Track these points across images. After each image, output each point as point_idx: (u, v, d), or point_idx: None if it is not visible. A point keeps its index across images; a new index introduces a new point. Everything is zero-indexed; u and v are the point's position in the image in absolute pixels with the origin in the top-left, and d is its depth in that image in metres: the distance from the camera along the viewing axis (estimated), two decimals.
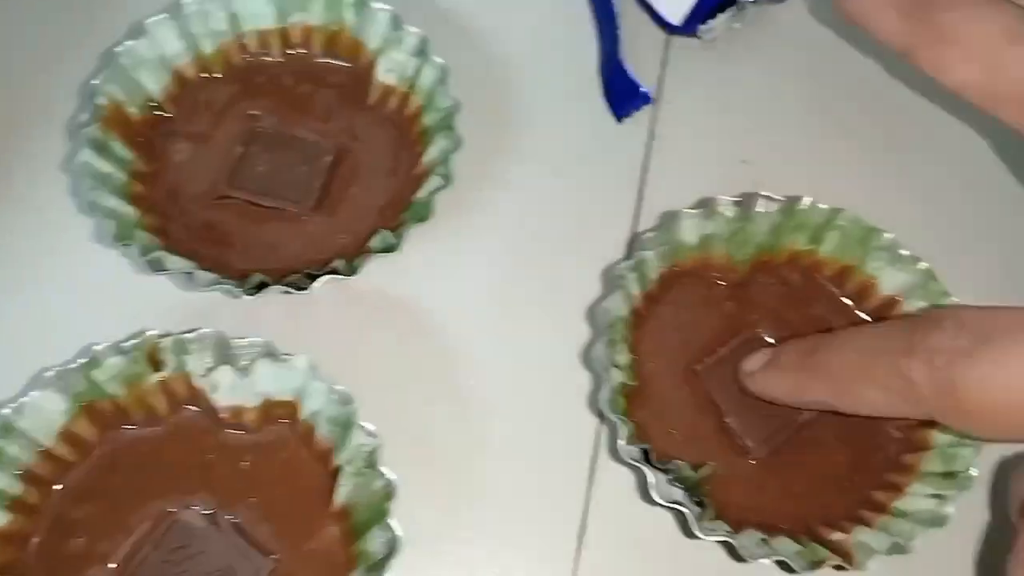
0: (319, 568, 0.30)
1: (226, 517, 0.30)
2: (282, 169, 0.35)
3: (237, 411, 0.31)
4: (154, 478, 0.31)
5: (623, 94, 0.41)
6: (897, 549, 0.27)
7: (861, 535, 0.28)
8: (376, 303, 0.36)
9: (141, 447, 0.31)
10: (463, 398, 0.34)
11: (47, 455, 0.30)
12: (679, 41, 0.43)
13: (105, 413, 0.31)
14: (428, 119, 0.35)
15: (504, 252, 0.37)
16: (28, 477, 0.29)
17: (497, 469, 0.33)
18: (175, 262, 0.31)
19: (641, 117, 0.41)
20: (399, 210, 0.34)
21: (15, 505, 0.29)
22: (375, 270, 0.33)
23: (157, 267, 0.31)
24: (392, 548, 0.28)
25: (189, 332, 0.30)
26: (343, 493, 0.30)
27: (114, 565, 0.29)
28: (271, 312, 0.34)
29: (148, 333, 0.30)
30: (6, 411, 0.28)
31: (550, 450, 0.33)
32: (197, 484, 0.31)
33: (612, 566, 0.32)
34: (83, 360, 0.29)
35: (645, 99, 0.40)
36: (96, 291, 0.35)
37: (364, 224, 0.35)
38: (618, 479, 0.33)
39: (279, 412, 0.31)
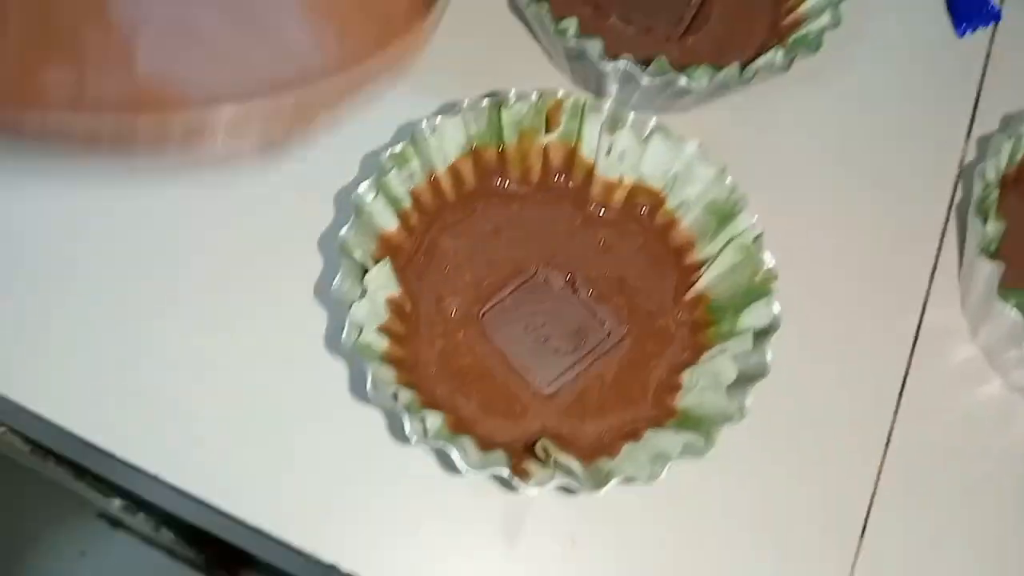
0: (662, 338, 0.30)
1: (582, 286, 0.31)
2: None
3: (608, 188, 0.32)
4: (518, 235, 0.32)
5: (970, 9, 0.41)
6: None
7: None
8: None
9: (511, 204, 0.32)
10: None
11: (434, 184, 0.31)
12: None
13: (490, 162, 0.32)
14: None
15: (840, 124, 0.38)
16: (415, 197, 0.31)
17: None
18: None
19: (979, 35, 0.41)
20: (756, 54, 0.35)
21: (401, 215, 0.30)
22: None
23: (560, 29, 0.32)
24: (773, 323, 0.28)
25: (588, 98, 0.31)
26: (705, 281, 0.30)
27: (471, 298, 0.30)
28: None
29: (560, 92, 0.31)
30: (423, 125, 0.30)
31: None
32: (557, 250, 0.32)
33: None
34: (493, 99, 0.30)
35: (995, 17, 0.40)
36: (504, 47, 0.38)
37: (723, 59, 0.36)
38: None
39: (643, 199, 0.32)
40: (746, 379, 0.28)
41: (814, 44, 0.33)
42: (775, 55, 0.33)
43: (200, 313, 0.31)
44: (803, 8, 0.36)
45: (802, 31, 0.35)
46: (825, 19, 0.34)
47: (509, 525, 0.29)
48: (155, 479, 0.29)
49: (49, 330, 0.31)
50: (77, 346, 0.30)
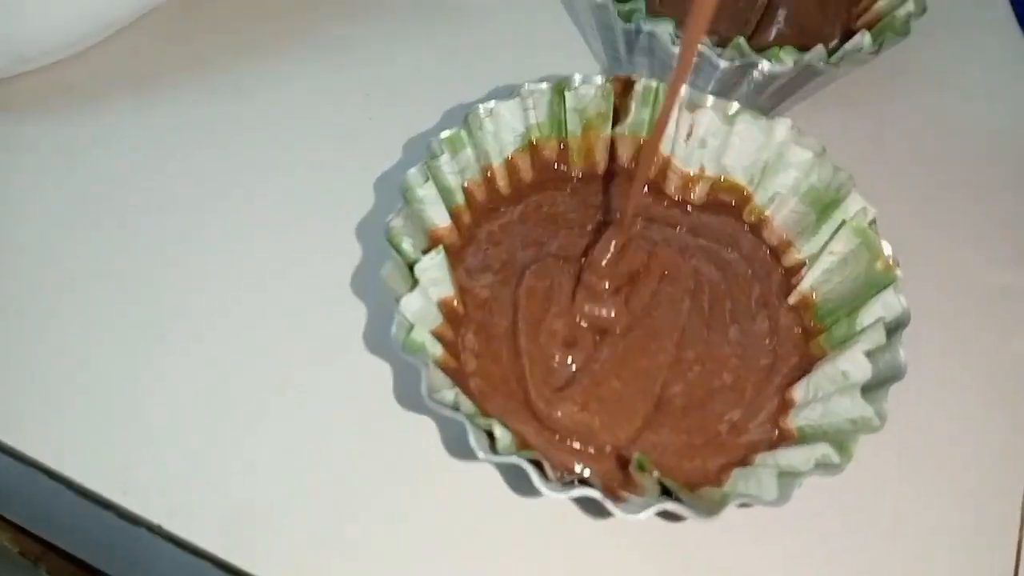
0: (766, 353, 0.25)
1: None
2: None
3: (686, 182, 0.28)
4: (582, 230, 0.27)
5: None
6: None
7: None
8: None
9: (574, 196, 0.28)
10: None
11: (489, 180, 0.27)
12: None
13: (549, 157, 0.28)
14: None
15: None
16: (468, 194, 0.27)
17: None
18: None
19: None
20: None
21: (453, 212, 0.26)
22: None
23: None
24: (904, 316, 0.23)
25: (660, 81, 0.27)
26: (809, 281, 0.26)
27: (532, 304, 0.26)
28: None
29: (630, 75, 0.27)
30: (480, 109, 0.26)
31: None
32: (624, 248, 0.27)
33: None
34: (555, 82, 0.27)
35: None
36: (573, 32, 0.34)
37: None
38: None
39: (726, 196, 0.28)
40: (878, 383, 0.23)
41: (902, 30, 0.30)
42: (863, 38, 0.29)
43: (225, 308, 0.27)
44: (879, 5, 0.33)
45: (886, 20, 0.32)
46: (910, 6, 0.31)
47: (593, 556, 0.23)
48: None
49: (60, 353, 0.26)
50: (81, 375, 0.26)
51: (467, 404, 0.21)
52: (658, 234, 0.28)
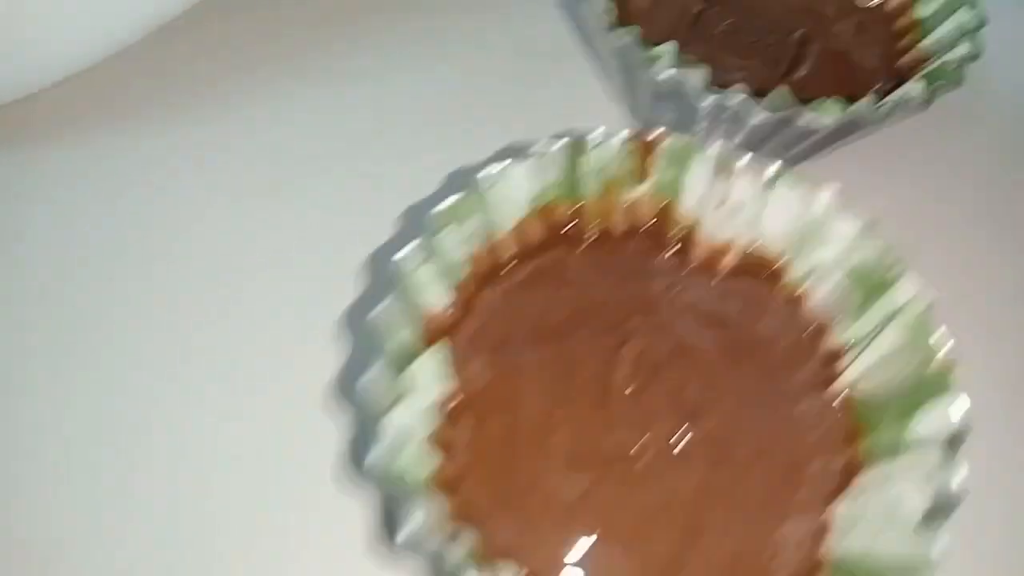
0: (813, 455, 0.23)
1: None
2: (743, 34, 0.31)
3: (713, 252, 0.25)
4: (590, 296, 0.24)
5: None
6: None
7: None
8: None
9: (585, 257, 0.25)
10: None
11: (493, 248, 0.24)
12: None
13: (561, 219, 0.25)
14: (922, 10, 0.31)
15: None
16: (470, 266, 0.24)
17: None
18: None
19: None
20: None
21: (459, 287, 0.23)
22: None
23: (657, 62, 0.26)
24: (960, 431, 0.20)
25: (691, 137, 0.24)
26: (853, 372, 0.23)
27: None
28: None
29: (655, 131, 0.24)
30: (487, 173, 0.23)
31: None
32: (642, 321, 0.24)
33: None
34: (570, 142, 0.24)
35: None
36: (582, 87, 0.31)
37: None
38: None
39: (758, 267, 0.25)
40: (935, 510, 0.20)
41: (954, 77, 0.27)
42: (913, 87, 0.26)
43: (181, 435, 0.24)
44: (926, 44, 0.30)
45: (935, 64, 0.29)
46: (962, 50, 0.28)
47: None
48: None
49: None
50: None
51: (465, 544, 0.19)
52: (682, 301, 0.25)
